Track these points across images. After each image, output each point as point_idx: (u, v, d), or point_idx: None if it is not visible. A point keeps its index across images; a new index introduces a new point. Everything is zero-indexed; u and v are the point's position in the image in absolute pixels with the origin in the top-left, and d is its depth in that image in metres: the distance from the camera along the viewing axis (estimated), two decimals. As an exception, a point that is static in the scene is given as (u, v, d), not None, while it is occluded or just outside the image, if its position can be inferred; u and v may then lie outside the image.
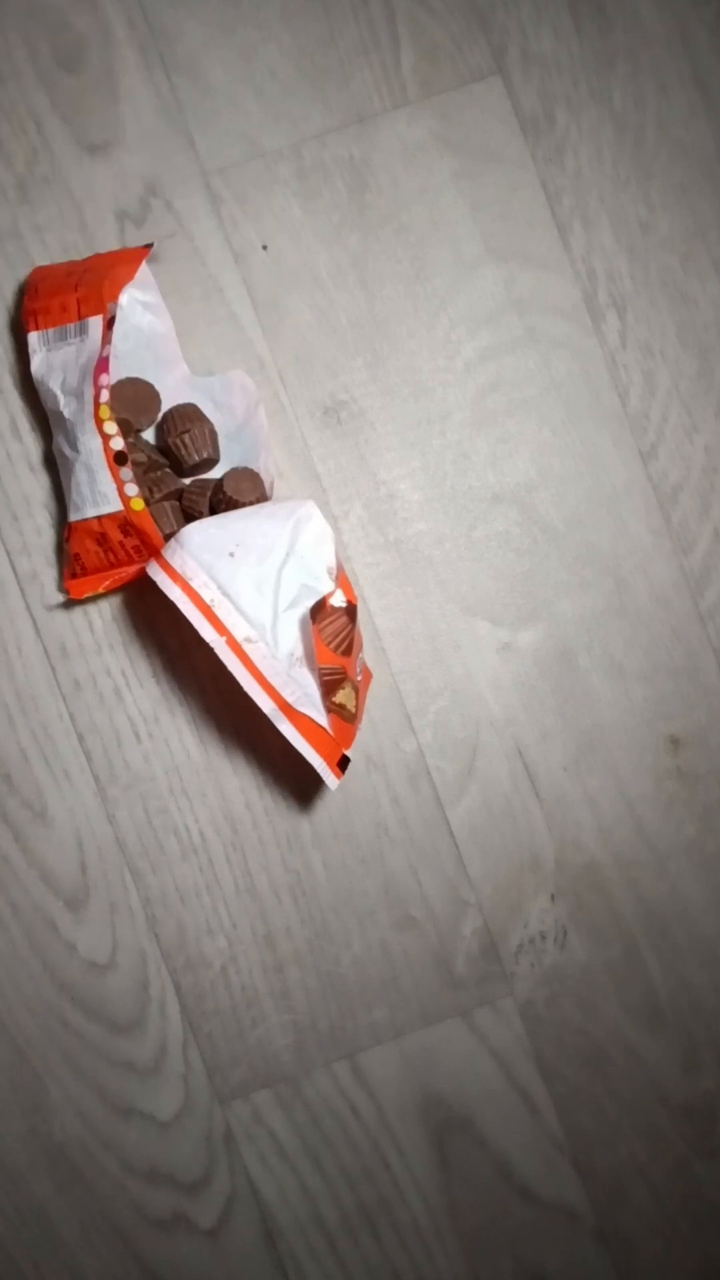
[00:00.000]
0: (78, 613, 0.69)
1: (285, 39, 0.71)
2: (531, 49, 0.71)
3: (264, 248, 0.70)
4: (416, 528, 0.70)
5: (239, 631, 0.63)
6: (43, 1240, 0.68)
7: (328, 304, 0.70)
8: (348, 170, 0.71)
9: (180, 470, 0.68)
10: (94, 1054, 0.68)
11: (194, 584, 0.62)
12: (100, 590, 0.67)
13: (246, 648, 0.63)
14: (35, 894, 0.68)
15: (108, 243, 0.70)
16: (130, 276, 0.65)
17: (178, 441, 0.67)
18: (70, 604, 0.69)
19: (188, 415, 0.67)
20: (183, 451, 0.67)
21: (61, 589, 0.69)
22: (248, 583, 0.63)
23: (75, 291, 0.66)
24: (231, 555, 0.63)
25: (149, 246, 0.67)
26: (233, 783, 0.69)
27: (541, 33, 0.71)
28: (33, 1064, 0.68)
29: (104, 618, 0.69)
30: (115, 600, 0.69)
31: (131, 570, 0.66)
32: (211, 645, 0.63)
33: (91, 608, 0.69)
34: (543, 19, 0.72)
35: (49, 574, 0.69)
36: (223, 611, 0.62)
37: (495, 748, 0.70)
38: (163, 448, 0.68)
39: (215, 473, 0.69)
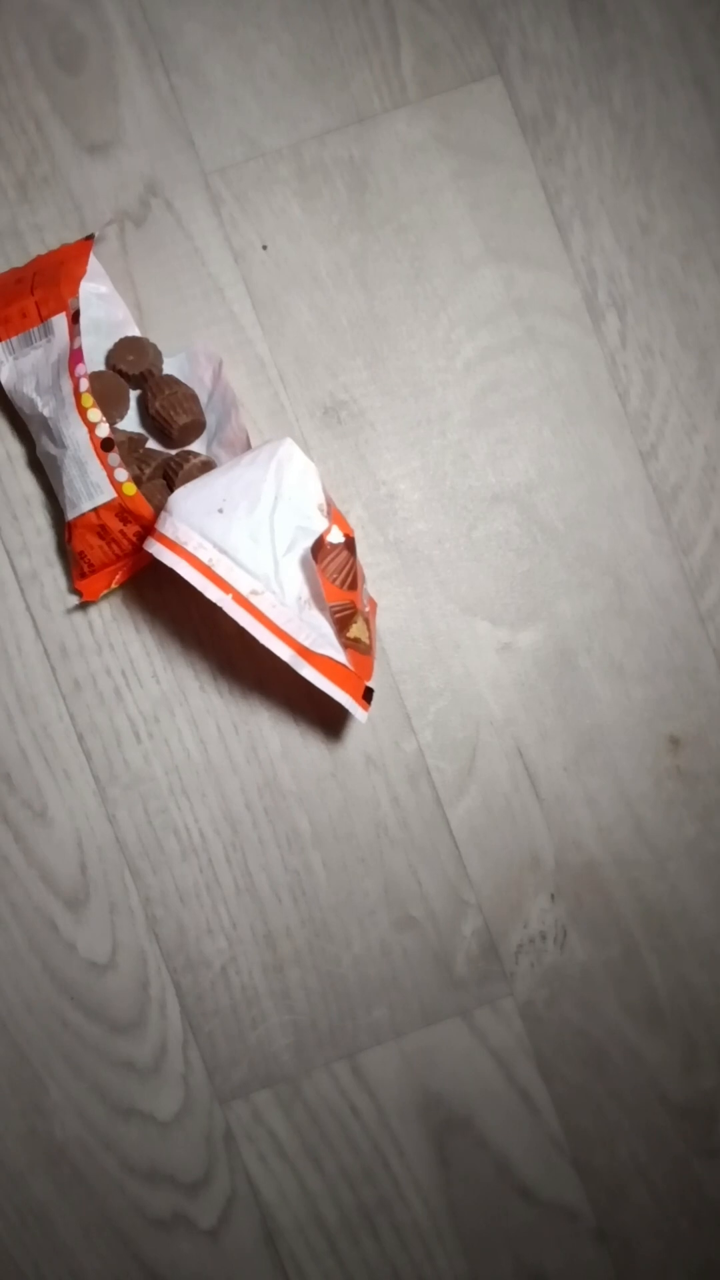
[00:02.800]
0: (77, 613, 0.69)
1: (285, 39, 0.71)
2: (531, 49, 0.71)
3: (264, 247, 0.70)
4: (416, 528, 0.70)
5: (243, 585, 0.62)
6: (43, 1240, 0.68)
7: (327, 304, 0.70)
8: (348, 170, 0.71)
9: (169, 439, 0.68)
10: (94, 1054, 0.68)
11: (189, 547, 0.62)
12: (113, 585, 0.67)
13: (254, 600, 0.62)
14: (35, 894, 0.68)
15: (109, 242, 0.70)
16: (83, 271, 0.66)
17: (162, 405, 0.67)
18: (70, 604, 0.69)
19: (165, 382, 0.68)
20: (171, 413, 0.67)
21: (74, 592, 0.69)
22: (242, 536, 0.62)
23: (32, 295, 0.66)
24: (220, 511, 0.62)
25: (91, 238, 0.68)
26: (233, 782, 0.69)
27: (541, 33, 0.71)
28: (33, 1064, 0.68)
29: (104, 618, 0.69)
30: (115, 600, 0.69)
31: (138, 557, 0.67)
32: (219, 604, 0.63)
33: (91, 608, 0.69)
34: (543, 19, 0.72)
35: (49, 574, 0.69)
36: (223, 569, 0.62)
37: (495, 748, 0.70)
38: (148, 420, 0.69)
39: (199, 445, 0.69)
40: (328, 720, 0.69)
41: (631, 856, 0.70)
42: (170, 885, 0.69)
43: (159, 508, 0.66)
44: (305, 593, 0.63)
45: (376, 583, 0.70)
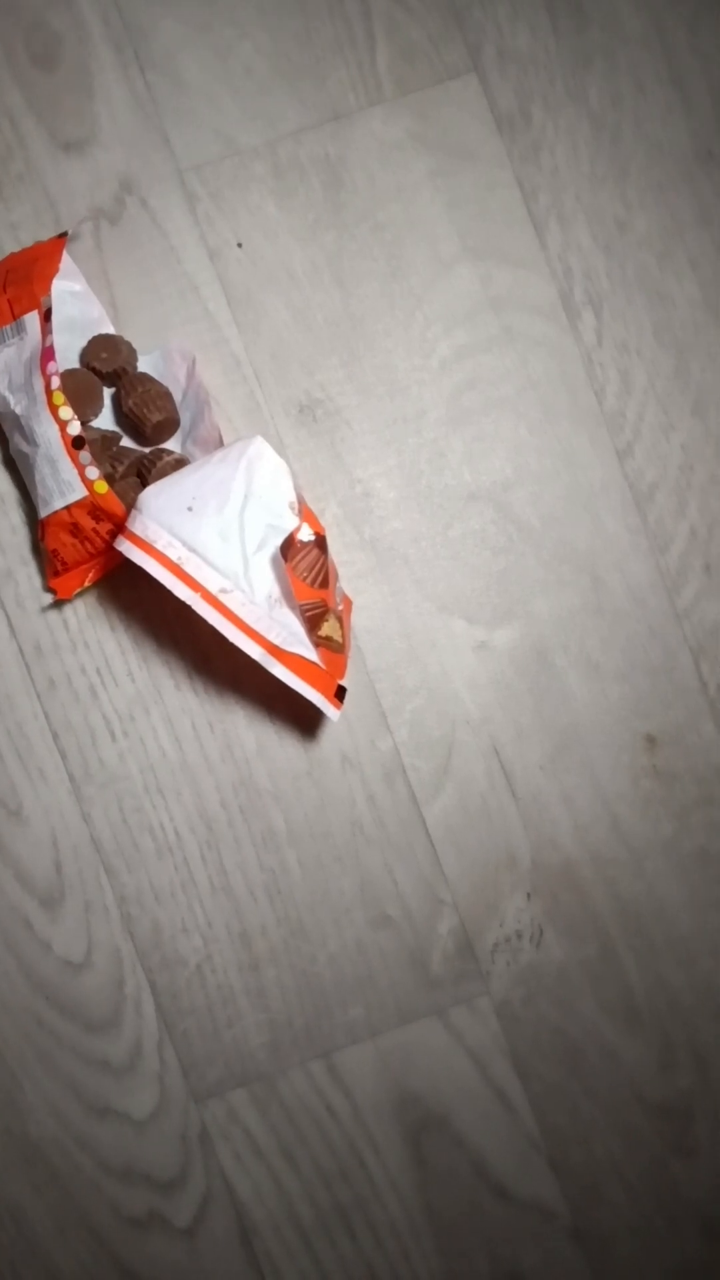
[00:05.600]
0: (52, 611, 0.69)
1: (261, 37, 0.71)
2: (508, 47, 0.71)
3: (239, 245, 0.70)
4: (392, 526, 0.70)
5: (212, 584, 0.62)
6: (18, 1239, 0.68)
7: (303, 302, 0.70)
8: (323, 168, 0.71)
9: (143, 436, 0.68)
10: (69, 1053, 0.68)
11: (158, 546, 0.62)
12: (87, 584, 0.67)
13: (223, 598, 0.62)
14: (10, 892, 0.68)
15: (84, 240, 0.70)
16: (56, 268, 0.66)
17: (136, 403, 0.67)
18: (44, 602, 0.69)
19: (138, 379, 0.68)
20: (143, 411, 0.67)
21: (48, 590, 0.69)
22: (212, 534, 0.62)
23: (4, 293, 0.66)
24: (190, 509, 0.62)
25: (64, 235, 0.67)
26: (208, 781, 0.69)
27: (518, 30, 0.71)
28: (8, 1063, 0.68)
29: (78, 616, 0.69)
30: (90, 598, 0.69)
31: (111, 555, 0.67)
32: (188, 603, 0.63)
33: (66, 606, 0.69)
34: (519, 17, 0.71)
35: (23, 572, 0.69)
36: (192, 567, 0.62)
37: (471, 746, 0.70)
38: (122, 418, 0.69)
39: (174, 443, 0.69)
40: (303, 719, 0.69)
41: (608, 855, 0.70)
42: (145, 884, 0.68)
43: (132, 506, 0.66)
44: (276, 591, 0.63)
45: (352, 581, 0.70)
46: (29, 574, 0.69)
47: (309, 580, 0.63)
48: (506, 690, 0.70)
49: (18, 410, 0.65)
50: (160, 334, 0.70)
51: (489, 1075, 0.69)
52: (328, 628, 0.64)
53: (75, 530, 0.65)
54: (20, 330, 0.66)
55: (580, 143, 0.71)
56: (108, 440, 0.67)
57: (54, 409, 0.64)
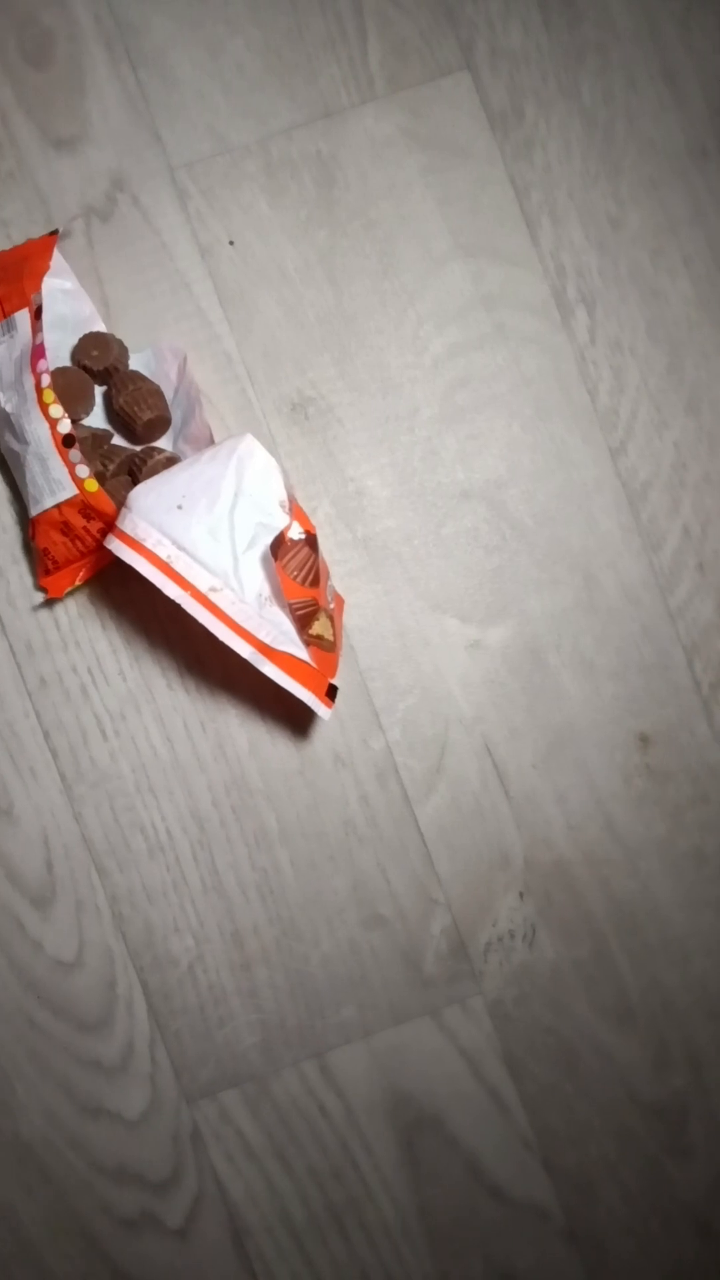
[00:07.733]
0: (43, 610, 0.69)
1: (252, 33, 0.71)
2: (500, 44, 0.71)
3: (231, 243, 0.70)
4: (385, 524, 0.70)
5: (202, 583, 0.62)
6: (9, 1240, 0.68)
7: (295, 300, 0.70)
8: (315, 165, 0.71)
9: (134, 434, 0.68)
10: (61, 1053, 0.68)
11: (148, 544, 0.62)
12: (78, 582, 0.67)
13: (213, 597, 0.62)
14: (1, 892, 0.68)
15: (75, 238, 0.70)
16: (46, 266, 0.65)
17: (126, 401, 0.67)
18: (35, 601, 0.69)
19: (129, 377, 0.67)
20: (135, 409, 0.66)
21: (39, 588, 0.68)
22: (201, 532, 0.62)
23: None
24: (180, 508, 0.62)
25: (55, 233, 0.67)
26: (200, 780, 0.69)
27: (510, 27, 0.71)
28: (-2, 1063, 0.68)
29: (70, 614, 0.69)
30: (81, 596, 0.69)
31: (102, 554, 0.66)
32: (177, 601, 0.62)
33: (57, 604, 0.69)
34: (511, 13, 0.71)
35: (14, 570, 0.69)
36: (181, 566, 0.62)
37: (464, 745, 0.69)
38: (113, 416, 0.68)
39: (165, 441, 0.69)
40: (295, 718, 0.69)
41: (601, 855, 0.70)
42: (137, 883, 0.68)
43: (123, 504, 0.65)
44: (266, 590, 0.63)
45: (344, 580, 0.69)
46: (20, 572, 0.69)
47: (299, 578, 0.63)
48: (499, 689, 0.70)
49: (8, 408, 0.65)
50: (151, 332, 0.70)
51: (482, 1075, 0.69)
52: (319, 626, 0.64)
53: (66, 529, 0.65)
54: (11, 328, 0.65)
55: (573, 139, 0.71)
56: (98, 438, 0.67)
57: (44, 407, 0.64)
